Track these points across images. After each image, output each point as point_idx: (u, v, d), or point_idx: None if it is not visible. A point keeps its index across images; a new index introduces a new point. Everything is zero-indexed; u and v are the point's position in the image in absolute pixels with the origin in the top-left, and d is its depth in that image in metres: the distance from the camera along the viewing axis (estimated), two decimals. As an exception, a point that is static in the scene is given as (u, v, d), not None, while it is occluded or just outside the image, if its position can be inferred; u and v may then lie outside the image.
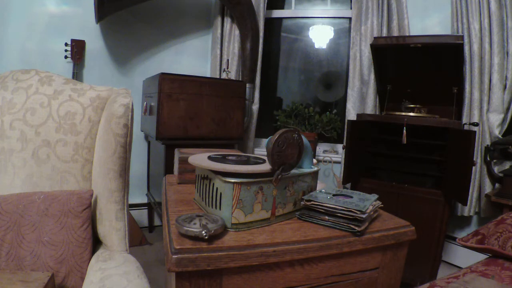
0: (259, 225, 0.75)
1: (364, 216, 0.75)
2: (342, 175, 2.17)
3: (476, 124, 1.88)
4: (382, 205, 0.90)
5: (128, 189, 0.98)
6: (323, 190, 0.88)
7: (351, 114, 2.32)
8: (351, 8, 2.48)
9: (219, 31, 2.49)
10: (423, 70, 1.89)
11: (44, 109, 0.99)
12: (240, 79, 2.47)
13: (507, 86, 1.90)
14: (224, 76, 2.43)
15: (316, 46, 2.75)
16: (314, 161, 0.95)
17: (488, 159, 1.94)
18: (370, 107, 2.22)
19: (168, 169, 1.84)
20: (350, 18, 2.54)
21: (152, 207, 2.46)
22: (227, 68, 2.42)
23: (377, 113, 2.20)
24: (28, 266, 0.81)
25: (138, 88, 2.37)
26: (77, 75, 2.18)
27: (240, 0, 2.31)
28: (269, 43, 2.76)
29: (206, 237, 0.63)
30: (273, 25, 2.80)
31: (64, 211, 0.87)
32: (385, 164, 1.90)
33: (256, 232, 0.72)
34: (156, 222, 2.55)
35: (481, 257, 1.24)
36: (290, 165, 0.78)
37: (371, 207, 0.80)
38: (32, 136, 0.97)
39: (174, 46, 2.57)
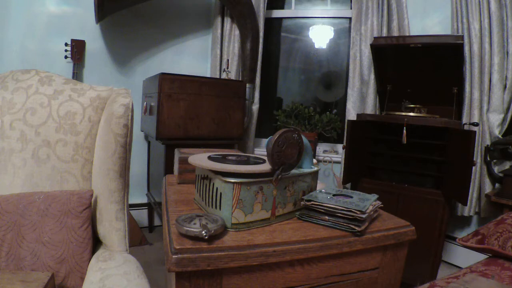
0: (259, 225, 0.75)
1: (364, 216, 0.75)
2: (342, 175, 2.17)
3: (476, 124, 1.88)
4: (382, 205, 0.90)
5: (128, 189, 0.98)
6: (323, 190, 0.88)
7: (351, 114, 2.32)
8: (351, 8, 2.48)
9: (219, 31, 2.49)
10: (423, 70, 1.89)
11: (44, 109, 0.99)
12: (240, 79, 2.47)
13: (507, 86, 1.90)
14: (224, 76, 2.43)
15: (316, 46, 2.75)
16: (314, 161, 0.95)
17: (488, 159, 1.94)
18: (370, 107, 2.22)
19: (168, 169, 1.84)
20: (350, 18, 2.54)
21: (152, 207, 2.46)
22: (227, 68, 2.42)
23: (377, 113, 2.20)
24: (28, 266, 0.81)
25: (138, 88, 2.37)
26: (77, 75, 2.18)
27: (240, 0, 2.31)
28: (269, 43, 2.76)
29: (206, 237, 0.63)
30: (273, 25, 2.80)
31: (64, 211, 0.87)
32: (385, 164, 1.90)
33: (256, 232, 0.72)
34: (156, 222, 2.55)
35: (481, 257, 1.24)
36: (290, 165, 0.78)
37: (371, 207, 0.80)
38: (32, 136, 0.97)
39: (174, 46, 2.57)
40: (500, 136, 1.92)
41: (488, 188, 1.96)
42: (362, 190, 1.13)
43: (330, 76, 2.75)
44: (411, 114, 1.80)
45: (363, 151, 1.93)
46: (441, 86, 1.89)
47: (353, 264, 0.77)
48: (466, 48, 1.96)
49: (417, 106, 1.86)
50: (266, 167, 0.76)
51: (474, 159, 1.59)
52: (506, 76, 1.91)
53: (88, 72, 2.29)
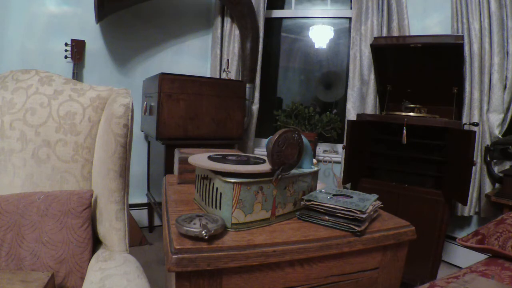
0: (259, 225, 0.75)
1: (364, 216, 0.75)
2: (342, 175, 2.17)
3: (476, 124, 1.88)
4: (382, 205, 0.90)
5: (128, 189, 0.98)
6: (323, 190, 0.88)
7: (351, 114, 2.32)
8: (351, 8, 2.48)
9: (219, 31, 2.49)
10: (423, 70, 1.89)
11: (44, 109, 0.99)
12: (240, 79, 2.47)
13: (507, 86, 1.90)
14: (224, 76, 2.43)
15: (316, 46, 2.75)
16: (314, 161, 0.95)
17: (488, 159, 1.94)
18: (370, 107, 2.22)
19: (168, 169, 1.84)
20: (350, 18, 2.54)
21: (152, 207, 2.46)
22: (227, 68, 2.42)
23: (377, 113, 2.20)
24: (28, 266, 0.81)
25: (138, 88, 2.37)
26: (77, 75, 2.18)
27: (240, 0, 2.31)
28: (269, 43, 2.75)
29: (206, 237, 0.63)
30: (273, 25, 2.80)
31: (64, 211, 0.87)
32: (385, 164, 1.90)
33: (256, 232, 0.72)
34: (156, 222, 2.55)
35: (481, 257, 1.24)
36: (290, 165, 0.78)
37: (371, 207, 0.80)
38: (32, 136, 0.97)
39: (174, 46, 2.57)
40: (500, 136, 1.92)
41: (488, 188, 1.96)
42: (362, 190, 1.13)
43: (330, 76, 2.75)
44: (411, 114, 1.80)
45: (363, 151, 1.93)
46: (441, 86, 1.89)
47: (353, 264, 0.77)
48: (466, 48, 1.96)
49: (417, 106, 1.85)
50: (266, 167, 0.76)
51: (474, 159, 1.59)
52: (506, 76, 1.91)
53: (88, 72, 2.29)
